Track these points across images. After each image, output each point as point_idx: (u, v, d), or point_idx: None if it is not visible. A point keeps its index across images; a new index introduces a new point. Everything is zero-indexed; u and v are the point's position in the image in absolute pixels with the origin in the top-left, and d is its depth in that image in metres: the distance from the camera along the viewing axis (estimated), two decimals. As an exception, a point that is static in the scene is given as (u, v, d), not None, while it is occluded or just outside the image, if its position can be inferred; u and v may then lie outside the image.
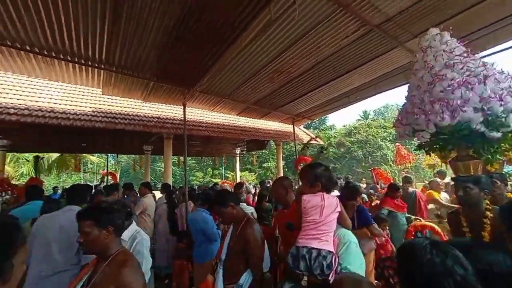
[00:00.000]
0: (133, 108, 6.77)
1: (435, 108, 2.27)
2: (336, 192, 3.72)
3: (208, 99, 6.05)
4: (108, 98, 6.37)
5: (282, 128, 10.00)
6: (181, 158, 12.81)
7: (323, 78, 5.23)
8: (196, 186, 10.61)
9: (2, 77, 5.59)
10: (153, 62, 4.17)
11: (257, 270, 1.89)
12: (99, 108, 6.13)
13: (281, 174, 10.71)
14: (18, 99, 5.35)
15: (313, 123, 33.44)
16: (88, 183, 12.74)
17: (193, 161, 31.46)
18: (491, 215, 1.87)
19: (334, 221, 1.53)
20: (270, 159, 27.76)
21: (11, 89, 5.52)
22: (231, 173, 22.48)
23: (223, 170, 21.93)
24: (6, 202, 6.11)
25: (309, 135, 10.96)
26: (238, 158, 13.52)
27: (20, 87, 5.69)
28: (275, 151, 11.17)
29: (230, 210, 2.07)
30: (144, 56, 3.95)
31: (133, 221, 2.22)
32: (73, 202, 2.40)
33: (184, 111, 5.64)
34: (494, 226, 1.81)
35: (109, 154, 14.47)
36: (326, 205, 1.52)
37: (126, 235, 1.98)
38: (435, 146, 2.50)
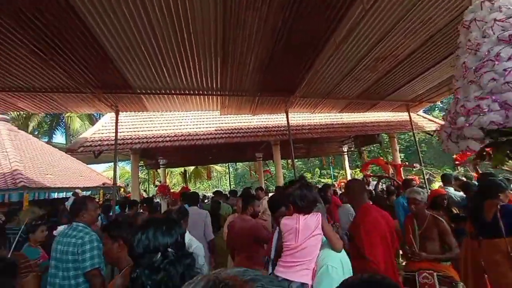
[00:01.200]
0: (244, 122, 7.80)
1: (481, 105, 1.53)
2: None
3: (307, 103, 6.18)
4: (225, 117, 7.60)
5: (395, 117, 8.80)
6: (289, 161, 13.42)
7: (440, 53, 4.34)
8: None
9: (156, 116, 7.72)
10: (256, 81, 4.73)
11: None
12: (219, 127, 7.41)
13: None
14: (166, 130, 7.23)
15: (437, 105, 27.36)
16: (217, 189, 15.41)
17: (300, 163, 32.09)
18: None
19: (312, 247, 1.35)
20: (385, 153, 24.65)
21: (163, 123, 7.54)
22: (341, 172, 21.48)
23: (331, 169, 21.27)
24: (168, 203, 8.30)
25: (432, 120, 9.14)
26: (346, 155, 12.85)
27: (168, 120, 7.67)
28: (389, 143, 9.91)
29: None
30: (248, 78, 4.56)
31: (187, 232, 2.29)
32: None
33: (287, 118, 6.01)
34: None
35: (229, 163, 16.92)
36: (301, 229, 1.36)
37: None
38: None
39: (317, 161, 29.44)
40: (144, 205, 5.20)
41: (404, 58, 4.43)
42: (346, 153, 12.62)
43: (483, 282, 2.51)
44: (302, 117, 8.28)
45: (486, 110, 1.51)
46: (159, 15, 2.87)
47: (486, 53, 1.61)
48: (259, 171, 11.53)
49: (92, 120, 20.32)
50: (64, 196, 7.24)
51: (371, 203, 2.11)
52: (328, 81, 5.04)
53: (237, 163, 27.37)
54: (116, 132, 5.23)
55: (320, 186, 5.35)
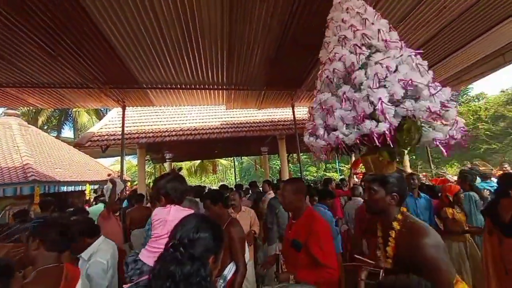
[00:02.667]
0: (250, 116, 7.78)
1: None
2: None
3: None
4: (230, 112, 7.59)
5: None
6: (294, 155, 13.40)
7: (457, 40, 4.16)
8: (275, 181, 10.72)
9: (162, 110, 7.75)
10: (262, 75, 4.69)
11: (240, 263, 1.97)
12: (225, 121, 7.41)
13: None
14: (172, 124, 7.27)
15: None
16: (223, 183, 15.51)
17: (305, 157, 31.99)
18: (398, 227, 1.35)
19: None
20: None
21: (169, 118, 7.57)
22: (346, 166, 21.40)
23: (337, 163, 21.19)
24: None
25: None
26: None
27: (174, 114, 7.70)
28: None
29: (217, 209, 2.21)
30: (255, 72, 4.53)
31: (102, 240, 2.08)
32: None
33: (293, 111, 5.97)
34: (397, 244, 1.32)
35: (234, 158, 16.96)
36: (170, 219, 1.40)
37: (85, 253, 1.96)
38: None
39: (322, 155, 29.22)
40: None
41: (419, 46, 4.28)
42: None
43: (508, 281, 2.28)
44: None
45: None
46: (165, 9, 2.85)
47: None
48: (264, 165, 11.56)
49: (99, 114, 20.50)
50: (73, 189, 7.39)
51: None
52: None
53: (242, 157, 27.46)
54: (123, 126, 5.28)
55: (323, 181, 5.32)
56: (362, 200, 3.59)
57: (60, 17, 2.84)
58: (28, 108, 16.03)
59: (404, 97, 1.58)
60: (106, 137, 6.29)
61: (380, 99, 1.55)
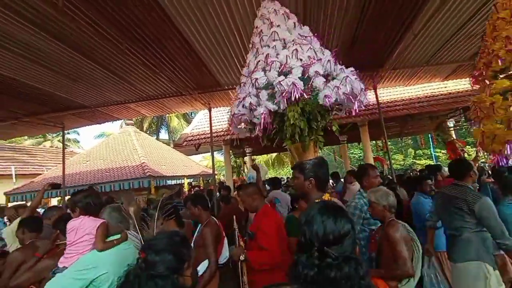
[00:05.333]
0: (325, 105, 7.47)
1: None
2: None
3: (400, 74, 5.42)
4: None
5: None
6: (377, 142, 12.21)
7: None
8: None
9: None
10: (339, 58, 4.43)
11: (212, 260, 2.17)
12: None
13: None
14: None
15: None
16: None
17: (389, 143, 28.68)
18: None
19: (85, 243, 1.66)
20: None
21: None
22: (443, 151, 18.11)
23: (431, 149, 18.17)
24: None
25: None
26: (453, 132, 10.68)
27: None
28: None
29: (197, 211, 2.43)
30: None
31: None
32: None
33: (376, 94, 5.45)
34: None
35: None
36: (79, 227, 1.67)
37: None
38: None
39: (410, 141, 25.65)
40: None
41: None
42: (452, 128, 10.49)
43: None
44: (392, 92, 7.32)
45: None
46: (242, 12, 3.04)
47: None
48: (344, 154, 10.96)
49: (186, 118, 23.62)
50: (175, 183, 8.81)
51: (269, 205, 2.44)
52: (428, 45, 4.27)
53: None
54: (211, 126, 5.92)
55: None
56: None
57: (158, 36, 3.38)
58: (136, 118, 19.82)
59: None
60: (197, 136, 7.21)
61: (256, 79, 1.71)
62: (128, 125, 10.86)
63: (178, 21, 3.10)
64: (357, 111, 1.87)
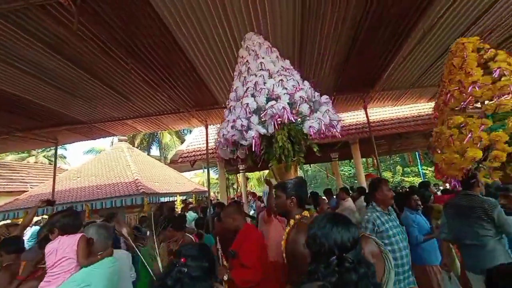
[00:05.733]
0: (318, 123, 7.73)
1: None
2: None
3: (388, 96, 5.76)
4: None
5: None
6: (368, 159, 12.51)
7: None
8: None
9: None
10: (332, 81, 4.72)
11: None
12: (294, 130, 7.57)
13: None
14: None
15: None
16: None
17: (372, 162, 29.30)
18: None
19: (68, 260, 1.68)
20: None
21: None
22: (430, 169, 18.69)
23: (419, 166, 18.71)
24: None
25: None
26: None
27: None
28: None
29: (167, 232, 2.52)
30: (324, 79, 4.59)
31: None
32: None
33: (367, 114, 5.73)
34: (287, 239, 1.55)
35: (302, 165, 16.86)
36: (59, 248, 1.69)
37: None
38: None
39: (398, 158, 26.34)
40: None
41: None
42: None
43: None
44: (381, 112, 7.68)
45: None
46: (242, 33, 3.24)
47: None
48: (335, 171, 11.16)
49: (178, 134, 23.55)
50: (168, 200, 8.69)
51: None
52: (413, 70, 4.62)
53: (309, 165, 26.98)
54: (207, 143, 6.01)
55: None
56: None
57: (165, 59, 3.55)
58: (130, 134, 19.63)
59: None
60: (193, 153, 7.25)
61: (247, 104, 1.89)
62: (121, 141, 10.79)
63: (185, 46, 3.31)
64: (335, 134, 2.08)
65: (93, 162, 10.04)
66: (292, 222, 1.59)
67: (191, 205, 7.79)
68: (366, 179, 7.16)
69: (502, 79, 1.94)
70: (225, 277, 1.98)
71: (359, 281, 0.84)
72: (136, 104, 4.91)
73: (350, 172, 25.81)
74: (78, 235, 1.78)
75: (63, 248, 1.71)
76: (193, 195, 11.24)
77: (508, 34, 3.77)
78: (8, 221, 5.88)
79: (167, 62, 3.67)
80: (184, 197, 10.54)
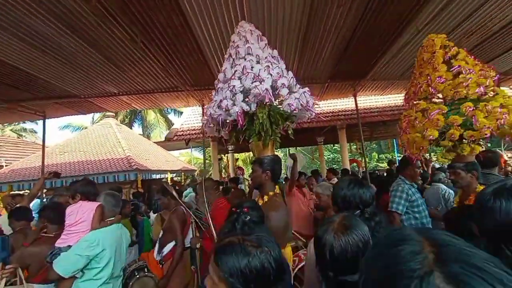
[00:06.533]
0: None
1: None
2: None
3: (377, 85, 6.14)
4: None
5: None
6: (351, 144, 13.17)
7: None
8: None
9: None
10: (328, 68, 4.97)
11: (179, 240, 2.50)
12: (286, 113, 7.85)
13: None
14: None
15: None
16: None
17: (354, 147, 30.61)
18: (266, 199, 1.78)
19: (85, 223, 1.97)
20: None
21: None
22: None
23: (395, 153, 19.89)
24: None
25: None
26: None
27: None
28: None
29: (166, 200, 2.82)
30: (322, 65, 4.83)
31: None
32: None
33: (356, 101, 6.10)
34: None
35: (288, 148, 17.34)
36: (80, 210, 1.97)
37: None
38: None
39: (374, 145, 27.68)
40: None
41: (498, 30, 4.10)
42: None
43: None
44: (369, 100, 8.14)
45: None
46: (253, 18, 3.36)
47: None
48: (321, 155, 11.73)
49: (162, 113, 23.06)
50: (159, 177, 8.82)
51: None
52: (403, 64, 4.98)
53: (290, 148, 27.67)
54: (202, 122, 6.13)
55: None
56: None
57: (171, 35, 3.54)
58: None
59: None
60: (188, 132, 7.35)
61: (234, 86, 2.07)
62: (108, 117, 10.53)
63: (195, 26, 3.36)
64: (309, 119, 2.35)
65: (78, 138, 9.79)
66: (266, 198, 1.70)
67: (188, 181, 8.00)
68: (350, 163, 7.72)
69: (460, 76, 2.28)
70: (197, 246, 2.38)
71: (375, 226, 1.17)
72: (135, 80, 4.88)
73: (329, 156, 26.89)
74: (97, 203, 2.07)
75: (83, 211, 2.00)
76: (182, 173, 11.41)
77: (486, 36, 4.20)
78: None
79: (174, 41, 3.71)
80: (174, 175, 10.70)
